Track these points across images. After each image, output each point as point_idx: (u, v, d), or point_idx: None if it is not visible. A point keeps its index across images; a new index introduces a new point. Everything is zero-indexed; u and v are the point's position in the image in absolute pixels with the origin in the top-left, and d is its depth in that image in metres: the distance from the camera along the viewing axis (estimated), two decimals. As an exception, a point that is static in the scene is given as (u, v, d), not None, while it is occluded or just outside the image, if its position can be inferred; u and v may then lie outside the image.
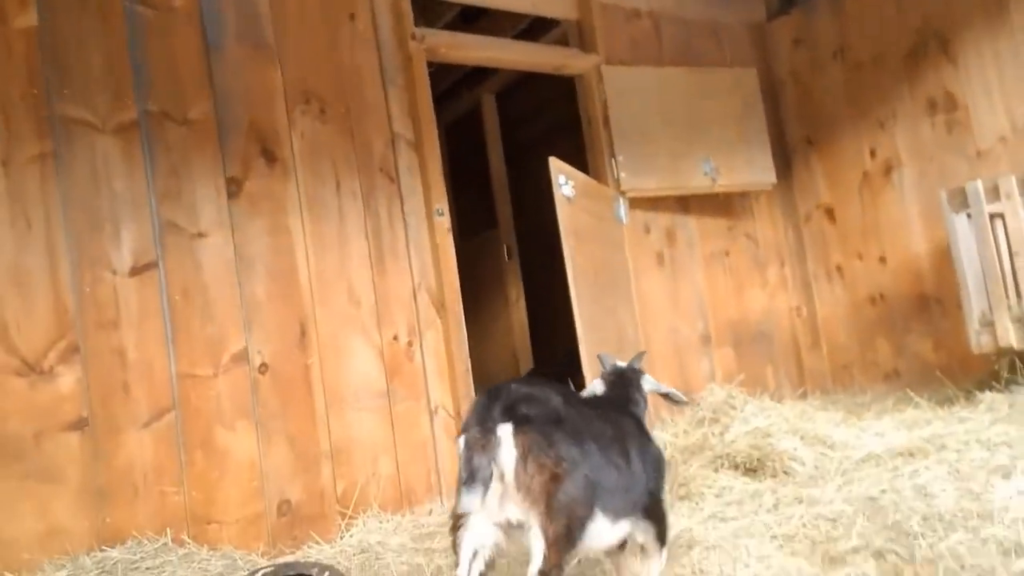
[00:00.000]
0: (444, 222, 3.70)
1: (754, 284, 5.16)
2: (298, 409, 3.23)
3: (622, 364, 2.39)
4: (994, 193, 3.77)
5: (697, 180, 4.55)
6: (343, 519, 3.27)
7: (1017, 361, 3.85)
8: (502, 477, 1.61)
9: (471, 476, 1.60)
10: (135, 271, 2.94)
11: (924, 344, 4.89)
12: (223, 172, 3.17)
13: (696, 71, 4.74)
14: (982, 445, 3.02)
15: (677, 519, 2.86)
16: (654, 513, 2.01)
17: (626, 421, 2.06)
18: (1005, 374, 3.87)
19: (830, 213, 5.26)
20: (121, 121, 2.99)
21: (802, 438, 3.38)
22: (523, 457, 1.61)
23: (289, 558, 3.00)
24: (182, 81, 3.14)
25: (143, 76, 3.06)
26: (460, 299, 3.72)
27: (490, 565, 1.67)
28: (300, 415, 3.23)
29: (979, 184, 3.82)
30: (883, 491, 2.62)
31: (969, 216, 3.91)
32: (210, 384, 3.02)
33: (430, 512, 3.56)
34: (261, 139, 3.29)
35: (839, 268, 5.24)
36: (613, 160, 4.31)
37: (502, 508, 1.63)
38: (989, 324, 3.77)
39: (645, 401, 2.30)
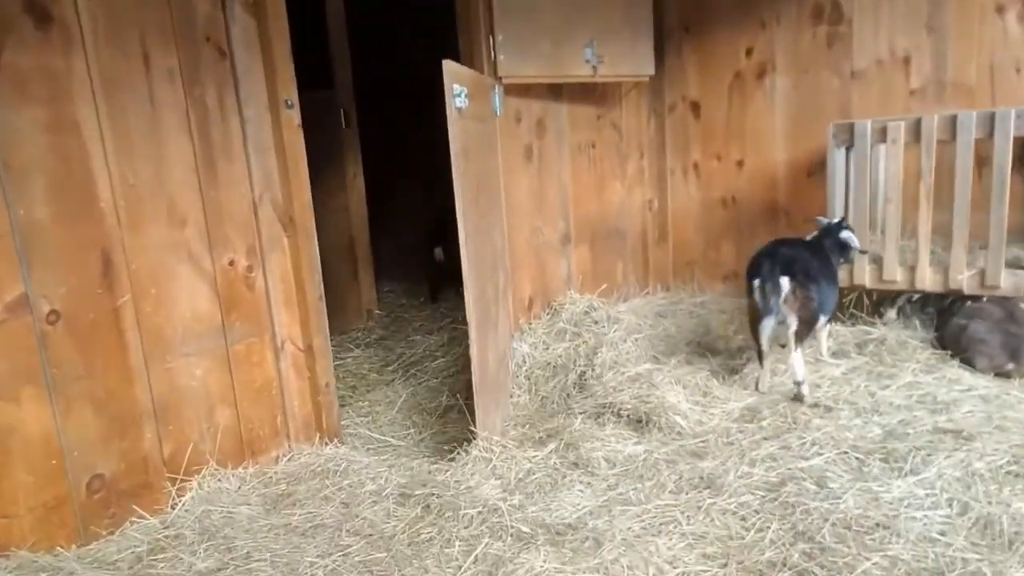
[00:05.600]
0: (294, 117, 2.91)
1: (615, 177, 4.87)
2: (107, 364, 2.51)
3: (828, 221, 3.70)
4: (880, 134, 3.66)
5: (578, 68, 4.01)
6: (173, 485, 2.71)
7: (865, 298, 3.97)
8: (783, 302, 3.14)
9: (767, 308, 3.16)
10: None
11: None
12: (-28, 39, 2.17)
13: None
14: (852, 407, 3.07)
15: (572, 494, 2.65)
16: (831, 315, 3.54)
17: (828, 262, 3.47)
18: (850, 309, 4.00)
19: (695, 108, 4.99)
20: None
21: (684, 387, 3.26)
22: (791, 292, 3.15)
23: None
24: None
25: None
26: (312, 212, 3.04)
27: (769, 341, 3.30)
28: (110, 371, 2.52)
29: (868, 125, 3.69)
30: (781, 480, 2.55)
31: (849, 152, 3.81)
32: (-22, 345, 2.22)
33: (277, 459, 3.08)
34: (30, -11, 2.27)
35: (696, 166, 5.08)
36: (492, 39, 3.63)
37: (778, 316, 3.17)
38: (848, 260, 3.79)
39: (840, 248, 3.60)
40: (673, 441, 2.94)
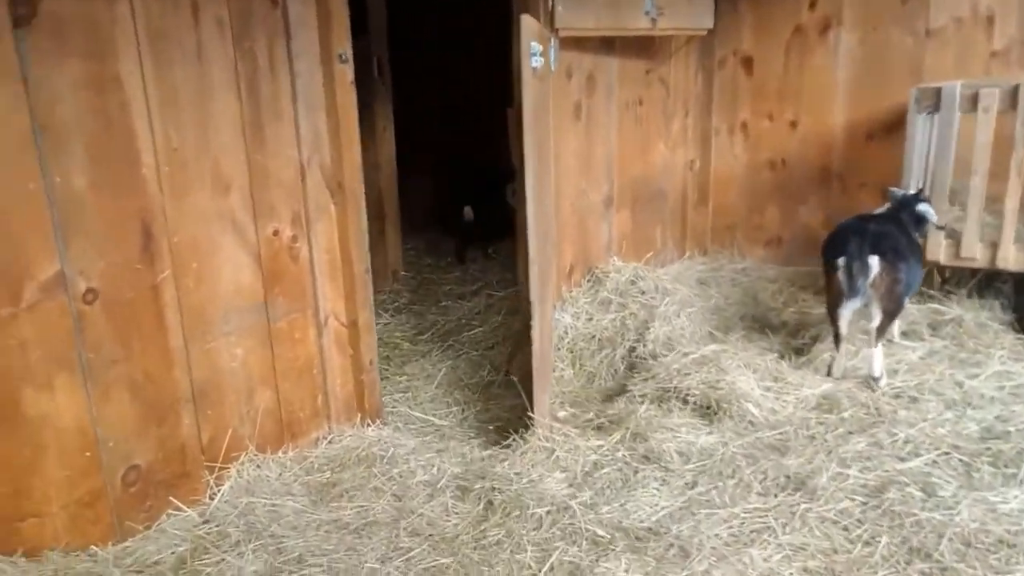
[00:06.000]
0: (348, 72, 2.62)
1: (659, 137, 4.58)
2: (145, 346, 2.27)
3: (903, 192, 3.45)
4: (971, 101, 3.39)
5: (637, 20, 3.70)
6: (211, 474, 2.51)
7: (937, 274, 3.76)
8: (871, 284, 2.93)
9: (853, 290, 2.93)
10: None
11: (815, 217, 4.71)
12: (-3, -21, 1.86)
13: None
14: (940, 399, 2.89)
15: (648, 493, 2.47)
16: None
17: (912, 239, 3.26)
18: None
19: (748, 64, 4.68)
20: None
21: (753, 371, 3.05)
22: (881, 273, 2.93)
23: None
24: None
25: None
26: (362, 177, 2.77)
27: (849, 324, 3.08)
28: (148, 353, 2.29)
29: (957, 89, 3.41)
30: (880, 484, 2.36)
31: (931, 116, 3.54)
32: (8, 329, 1.97)
33: (317, 442, 2.88)
34: (61, -81, 1.95)
35: (744, 125, 4.79)
36: (549, -13, 3.31)
37: (864, 298, 2.95)
38: (923, 235, 3.56)
39: (916, 221, 3.33)
40: (748, 432, 2.75)
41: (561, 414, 3.08)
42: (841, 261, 2.94)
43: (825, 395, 2.95)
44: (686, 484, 2.50)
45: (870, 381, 2.99)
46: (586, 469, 2.60)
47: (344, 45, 2.59)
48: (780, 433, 2.73)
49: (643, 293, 3.91)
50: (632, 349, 3.59)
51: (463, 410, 3.35)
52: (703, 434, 2.76)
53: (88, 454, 2.18)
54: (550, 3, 3.34)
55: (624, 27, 3.68)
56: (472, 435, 3.09)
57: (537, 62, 2.49)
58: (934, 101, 3.51)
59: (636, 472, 2.56)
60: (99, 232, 2.11)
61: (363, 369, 2.95)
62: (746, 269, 4.76)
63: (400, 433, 3.04)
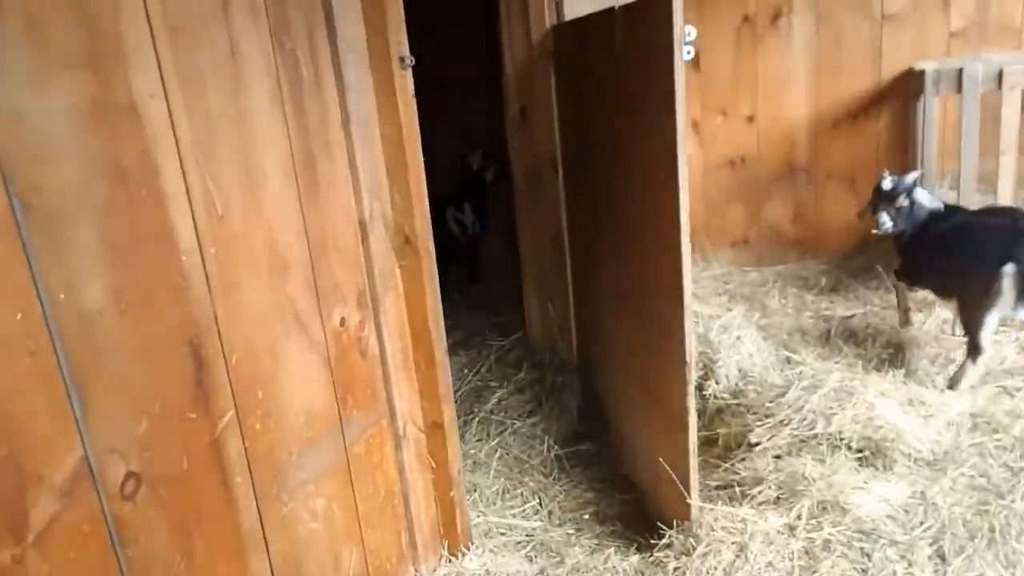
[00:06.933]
0: (409, 82, 1.85)
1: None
2: (210, 539, 1.40)
3: None
4: (994, 80, 3.18)
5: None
6: None
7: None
8: None
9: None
10: None
11: (783, 214, 4.46)
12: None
13: None
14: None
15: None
16: None
17: None
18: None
19: (694, 58, 4.30)
20: None
21: (884, 395, 2.59)
22: None
23: None
24: None
25: None
26: (430, 225, 2.00)
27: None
28: (215, 548, 1.41)
29: (980, 68, 3.19)
30: None
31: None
32: (8, 584, 1.06)
33: (405, 598, 2.07)
34: None
35: (695, 124, 4.40)
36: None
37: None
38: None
39: None
40: (936, 474, 2.27)
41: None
42: (1010, 268, 2.54)
43: (976, 413, 2.55)
44: (935, 567, 1.96)
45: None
46: (801, 563, 2.00)
47: (403, 41, 1.82)
48: (969, 468, 2.28)
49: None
50: (700, 388, 3.03)
51: (541, 502, 2.64)
52: (890, 485, 2.25)
53: None
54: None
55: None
56: (587, 536, 2.40)
57: (689, 51, 1.88)
58: (955, 81, 3.29)
59: (867, 556, 1.99)
60: (134, 376, 1.23)
61: (451, 483, 2.17)
62: (722, 276, 4.39)
63: (501, 556, 2.28)
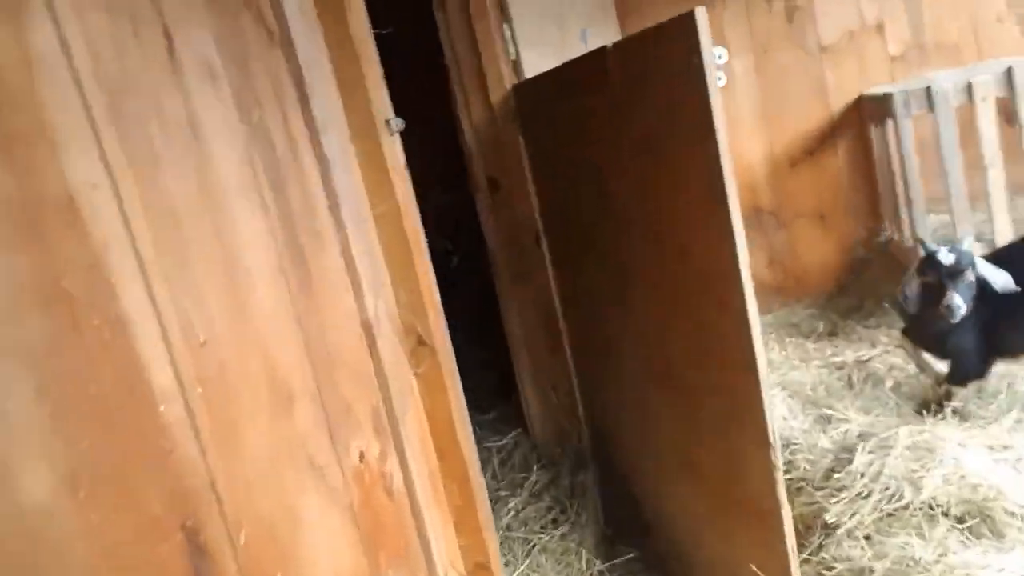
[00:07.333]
0: (399, 151, 1.53)
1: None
2: None
3: None
4: (964, 93, 3.12)
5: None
6: None
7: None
8: None
9: None
10: None
11: (757, 260, 4.30)
12: None
13: None
14: None
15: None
16: None
17: None
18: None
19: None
20: None
21: (964, 447, 2.31)
22: None
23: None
24: None
25: None
26: (444, 319, 1.64)
27: None
28: None
29: (949, 85, 3.14)
30: None
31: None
32: None
33: None
34: None
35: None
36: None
37: None
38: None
39: None
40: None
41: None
42: None
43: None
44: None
45: None
46: None
47: (386, 100, 1.51)
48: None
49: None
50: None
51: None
52: (1009, 556, 1.93)
53: None
54: (511, 48, 2.51)
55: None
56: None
57: (721, 80, 1.63)
58: (925, 100, 3.22)
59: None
60: (111, 596, 0.81)
61: (507, 635, 1.74)
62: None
63: None
